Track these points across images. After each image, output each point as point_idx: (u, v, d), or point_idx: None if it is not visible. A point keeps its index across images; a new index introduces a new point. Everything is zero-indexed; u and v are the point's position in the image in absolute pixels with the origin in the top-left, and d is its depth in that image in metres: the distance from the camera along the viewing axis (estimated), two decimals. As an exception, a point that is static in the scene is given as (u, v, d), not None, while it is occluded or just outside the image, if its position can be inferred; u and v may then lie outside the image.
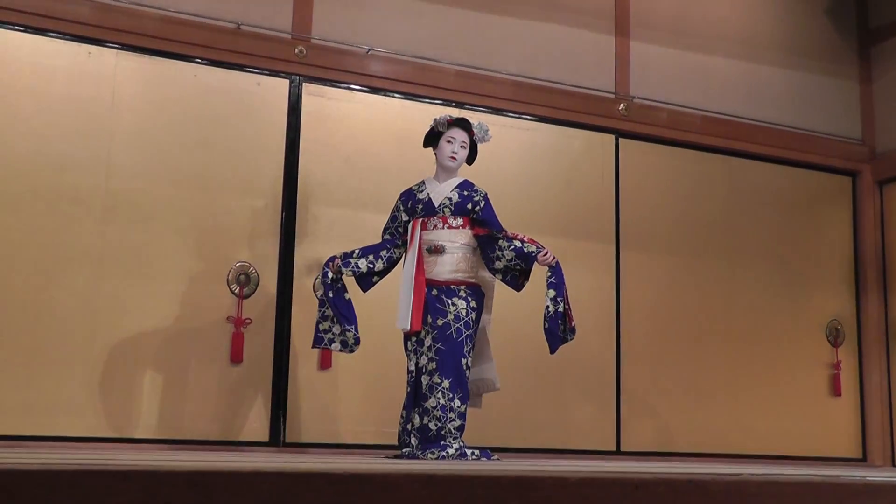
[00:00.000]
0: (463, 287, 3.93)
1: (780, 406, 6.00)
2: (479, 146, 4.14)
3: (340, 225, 5.01)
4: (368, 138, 5.15)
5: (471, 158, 4.13)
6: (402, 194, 4.14)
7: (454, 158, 4.03)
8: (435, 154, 4.10)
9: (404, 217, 4.07)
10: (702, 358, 5.86)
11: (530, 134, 5.58)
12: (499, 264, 3.97)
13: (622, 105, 5.79)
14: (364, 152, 5.13)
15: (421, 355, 3.91)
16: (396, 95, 5.25)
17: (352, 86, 5.16)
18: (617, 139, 5.80)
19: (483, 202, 4.00)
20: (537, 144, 5.59)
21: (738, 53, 6.28)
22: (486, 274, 4.06)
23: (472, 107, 5.36)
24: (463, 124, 4.07)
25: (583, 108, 5.68)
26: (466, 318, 3.87)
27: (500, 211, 4.09)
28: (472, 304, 3.92)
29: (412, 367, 3.94)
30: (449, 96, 5.32)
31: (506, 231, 3.99)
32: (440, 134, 4.05)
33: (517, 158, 5.51)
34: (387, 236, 4.11)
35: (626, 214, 5.75)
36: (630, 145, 5.82)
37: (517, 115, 5.55)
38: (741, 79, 6.25)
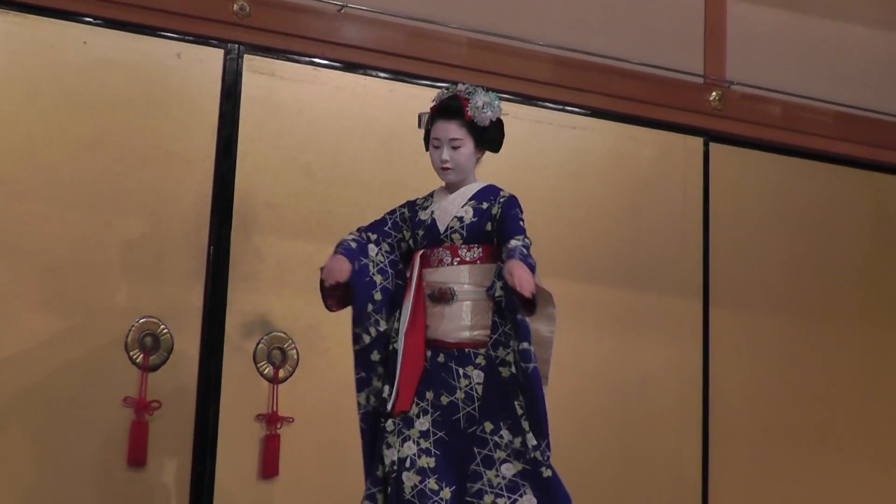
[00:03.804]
0: (482, 351, 3.65)
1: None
2: (507, 128, 3.81)
3: (295, 264, 4.79)
4: (339, 137, 4.97)
5: (489, 144, 3.80)
6: (406, 204, 3.88)
7: (448, 168, 3.75)
8: None
9: (407, 237, 3.82)
10: (827, 464, 5.72)
11: (579, 134, 5.39)
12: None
13: (714, 94, 5.64)
14: (332, 157, 4.95)
15: (407, 440, 3.60)
16: (382, 75, 5.07)
17: (315, 59, 4.97)
18: (706, 143, 5.64)
19: (500, 209, 3.70)
20: (589, 149, 5.41)
21: (887, 21, 6.11)
22: (540, 326, 3.71)
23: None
24: (447, 112, 3.77)
25: (657, 98, 5.52)
26: None
27: (536, 243, 3.70)
28: None
29: (393, 458, 3.59)
30: (459, 76, 4.89)
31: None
32: (428, 134, 3.80)
33: (559, 169, 5.32)
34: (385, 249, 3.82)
35: (718, 254, 5.60)
36: (725, 152, 5.70)
37: (560, 107, 5.36)
38: (891, 60, 6.09)
